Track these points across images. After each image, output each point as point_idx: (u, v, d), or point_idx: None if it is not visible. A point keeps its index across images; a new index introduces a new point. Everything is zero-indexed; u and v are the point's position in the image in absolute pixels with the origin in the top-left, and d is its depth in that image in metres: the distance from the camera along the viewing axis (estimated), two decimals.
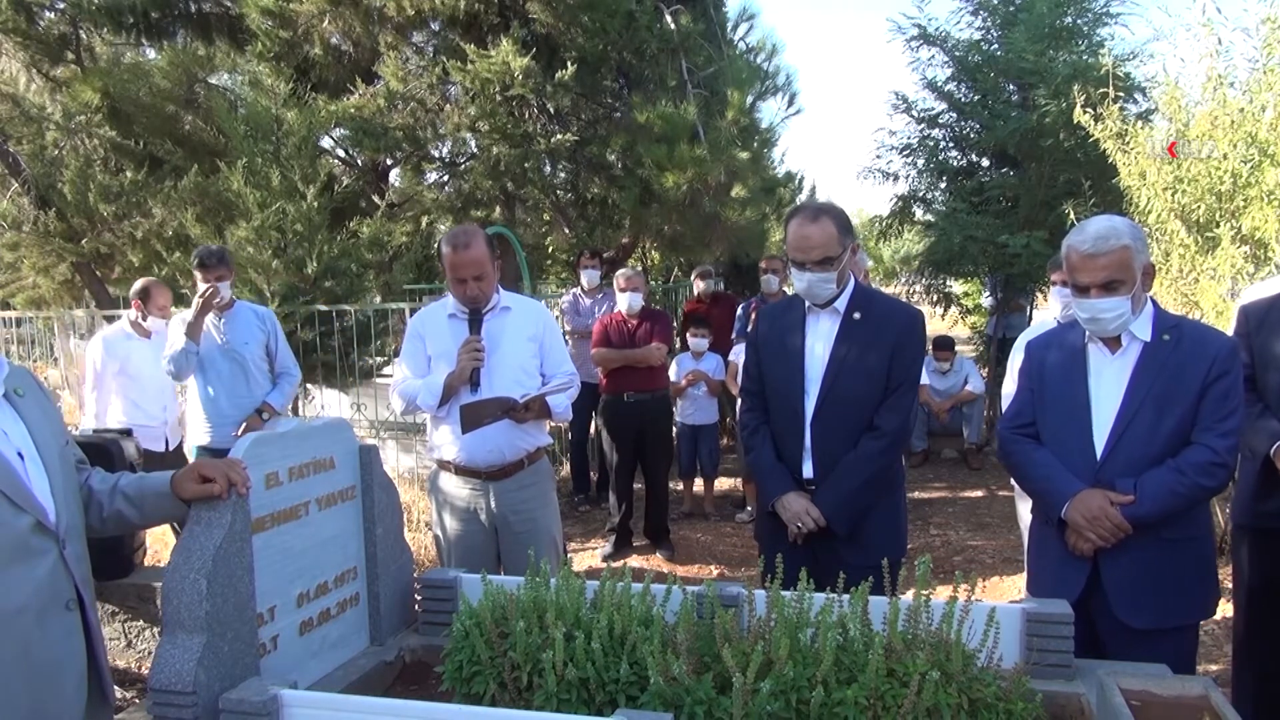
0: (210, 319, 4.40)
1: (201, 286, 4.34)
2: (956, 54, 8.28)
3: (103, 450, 3.48)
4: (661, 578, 2.03)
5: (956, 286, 9.96)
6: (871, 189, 32.63)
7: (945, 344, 7.73)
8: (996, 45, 8.17)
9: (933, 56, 8.45)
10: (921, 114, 8.66)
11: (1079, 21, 7.78)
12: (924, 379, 7.02)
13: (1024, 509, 3.65)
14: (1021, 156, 7.73)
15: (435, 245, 9.20)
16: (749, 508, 6.13)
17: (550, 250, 11.55)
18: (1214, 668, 3.58)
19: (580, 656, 1.71)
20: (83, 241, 8.67)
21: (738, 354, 5.83)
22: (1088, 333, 2.36)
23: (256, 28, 7.68)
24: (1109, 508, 2.22)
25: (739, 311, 6.54)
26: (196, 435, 4.52)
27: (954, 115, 8.51)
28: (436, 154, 9.03)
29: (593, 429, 6.61)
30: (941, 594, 1.86)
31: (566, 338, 6.04)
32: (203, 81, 9.50)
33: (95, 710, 1.79)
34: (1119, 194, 5.11)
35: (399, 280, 7.83)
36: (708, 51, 7.89)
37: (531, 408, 3.00)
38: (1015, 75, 7.75)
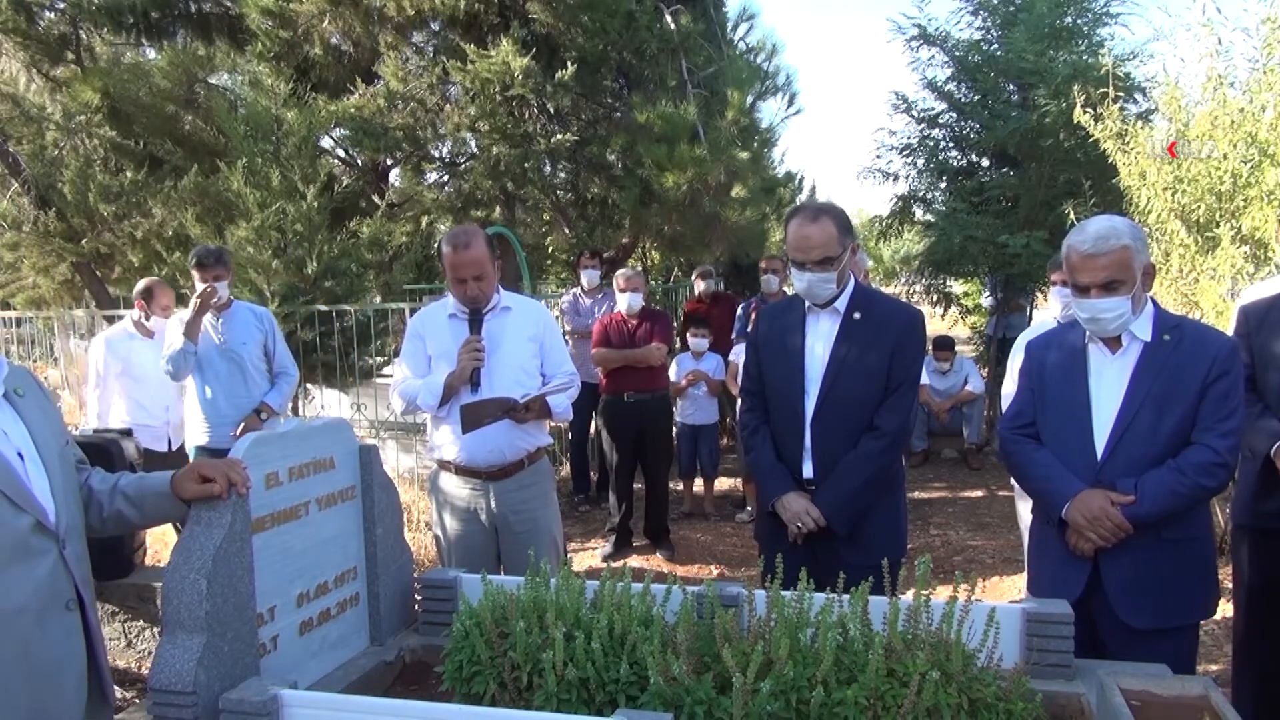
0: (208, 319, 4.40)
1: (199, 286, 4.34)
2: (956, 54, 8.28)
3: (103, 450, 3.48)
4: (661, 578, 2.03)
5: (956, 286, 9.96)
6: (871, 189, 32.65)
7: (945, 344, 7.73)
8: (996, 45, 8.17)
9: (933, 56, 8.46)
10: (921, 114, 8.66)
11: (1079, 21, 7.78)
12: (924, 379, 7.02)
13: (1024, 509, 3.65)
14: (1021, 156, 7.73)
15: (435, 245, 9.20)
16: (749, 508, 6.13)
17: (550, 250, 11.55)
18: (1214, 668, 3.58)
19: (580, 656, 1.71)
20: (83, 241, 8.67)
21: (738, 354, 5.83)
22: (1088, 333, 2.36)
23: (256, 28, 7.68)
24: (1110, 508, 2.22)
25: (739, 311, 6.54)
26: (195, 435, 4.52)
27: (954, 115, 8.51)
28: (436, 154, 9.03)
29: (593, 429, 6.61)
30: (941, 594, 1.86)
31: (566, 338, 6.04)
32: (203, 81, 9.51)
33: (95, 710, 1.79)
34: (1119, 194, 5.11)
35: (399, 280, 7.83)
36: (708, 51, 7.89)
37: (532, 408, 3.00)
38: (1015, 75, 7.75)
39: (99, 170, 8.69)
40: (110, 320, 7.67)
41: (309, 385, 6.75)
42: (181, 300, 5.22)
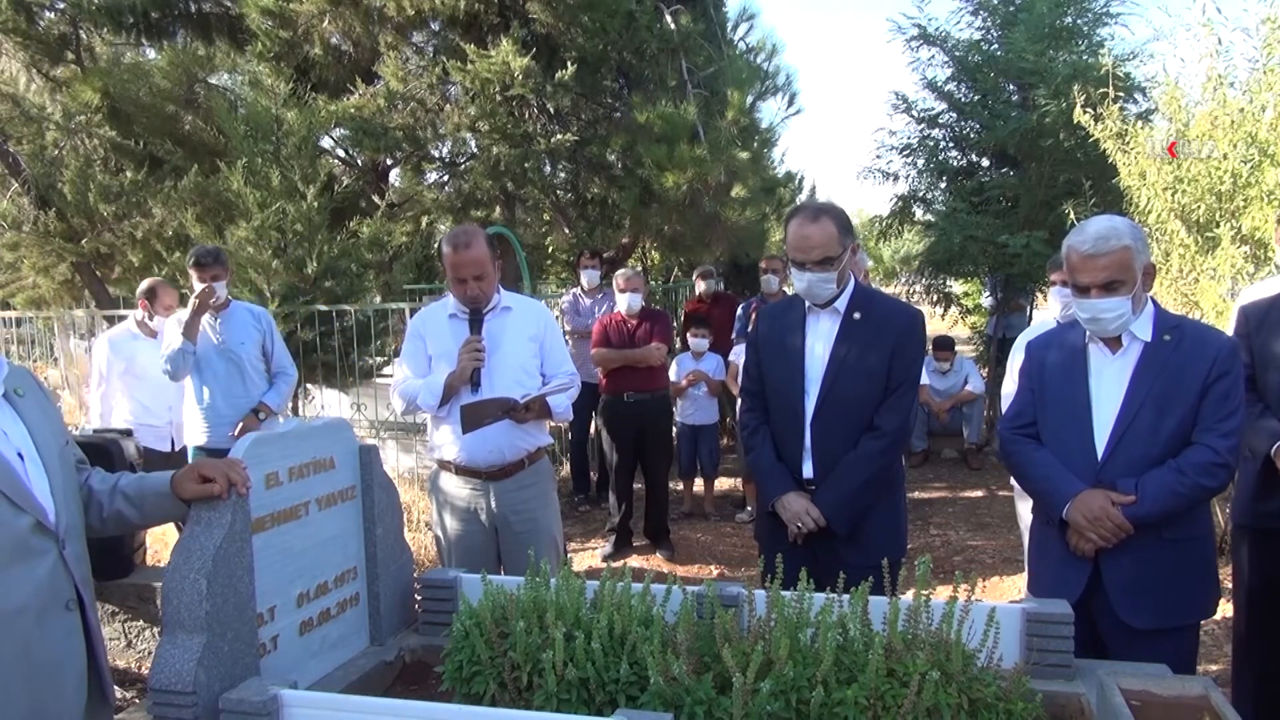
0: (206, 319, 4.40)
1: (197, 286, 4.34)
2: (956, 54, 8.28)
3: (103, 450, 3.48)
4: (661, 578, 2.03)
5: (956, 286, 9.96)
6: (871, 189, 32.66)
7: (945, 344, 7.73)
8: (996, 45, 8.17)
9: (933, 56, 8.46)
10: (921, 114, 8.66)
11: (1079, 21, 7.78)
12: (924, 379, 7.02)
13: (1024, 509, 3.65)
14: (1021, 156, 7.73)
15: (435, 245, 9.20)
16: (749, 508, 6.13)
17: (550, 250, 11.55)
18: (1214, 668, 3.58)
19: (580, 656, 1.71)
20: (83, 241, 8.67)
21: (738, 354, 5.84)
22: (1088, 333, 2.36)
23: (256, 28, 7.68)
24: (1110, 508, 2.22)
25: (739, 311, 6.55)
26: (193, 435, 4.52)
27: (954, 115, 8.51)
28: (436, 154, 9.03)
29: (593, 429, 6.61)
30: (941, 594, 1.86)
31: (566, 338, 6.04)
32: (203, 81, 9.50)
33: (95, 710, 1.79)
34: (1119, 194, 5.12)
35: (399, 280, 7.83)
36: (708, 51, 7.89)
37: (532, 408, 3.00)
38: (1015, 75, 7.75)
39: (99, 170, 8.69)
40: (110, 320, 7.67)
41: (309, 385, 6.75)
42: (184, 300, 5.22)
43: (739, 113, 7.60)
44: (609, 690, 1.72)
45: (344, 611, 2.17)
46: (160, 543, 4.99)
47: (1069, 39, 7.64)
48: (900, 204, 9.04)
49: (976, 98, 8.17)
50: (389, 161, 9.09)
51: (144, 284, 4.99)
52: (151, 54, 9.53)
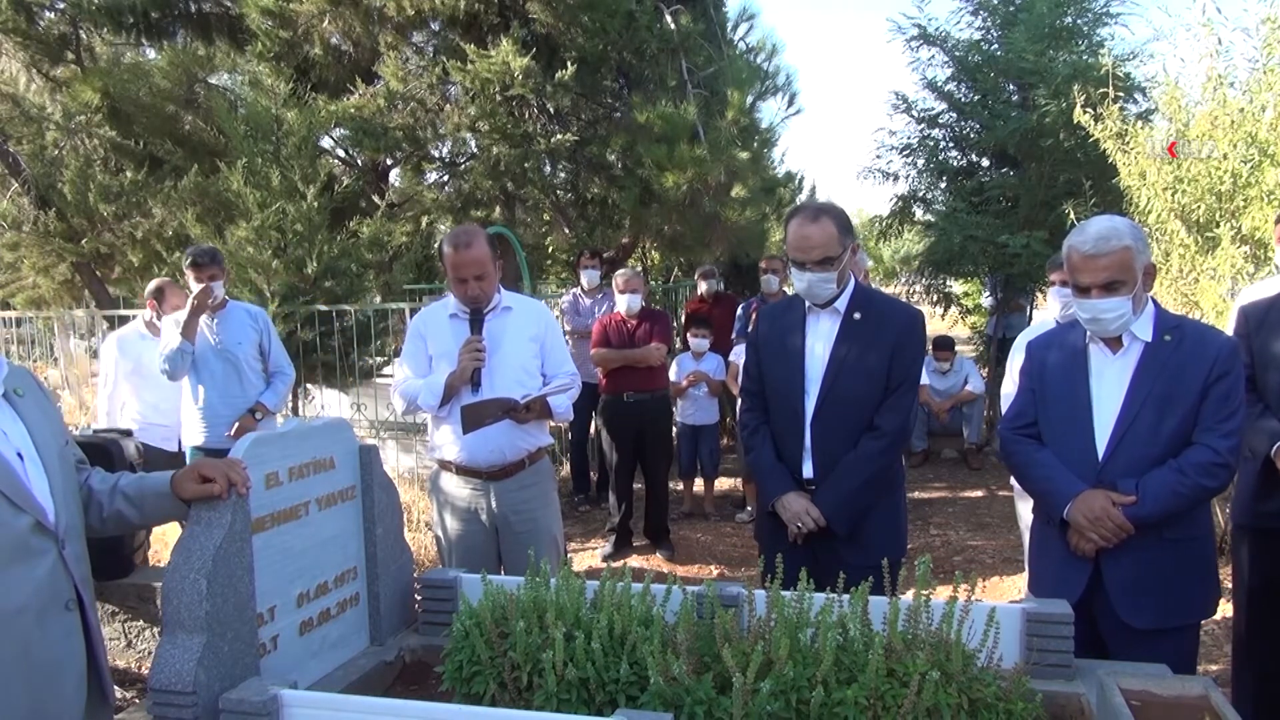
0: (204, 319, 4.40)
1: (194, 286, 4.34)
2: (956, 54, 8.28)
3: (103, 450, 3.48)
4: (661, 578, 2.03)
5: (956, 286, 9.96)
6: (871, 189, 32.66)
7: (945, 344, 7.73)
8: (996, 45, 8.17)
9: (933, 56, 8.46)
10: (921, 114, 8.66)
11: (1079, 21, 7.78)
12: (924, 379, 7.02)
13: (1024, 509, 3.65)
14: (1021, 156, 7.73)
15: (435, 245, 9.20)
16: (749, 508, 6.13)
17: (550, 250, 11.54)
18: (1214, 668, 3.58)
19: (580, 656, 1.71)
20: (83, 241, 8.67)
21: (738, 354, 5.83)
22: (1089, 333, 2.36)
23: (256, 28, 7.68)
24: (1111, 508, 2.22)
25: (739, 311, 6.55)
26: (191, 435, 4.53)
27: (954, 115, 8.51)
28: (436, 154, 9.03)
29: (592, 429, 6.61)
30: (941, 594, 1.86)
31: (566, 338, 6.04)
32: (203, 81, 9.50)
33: (95, 710, 1.79)
34: (1119, 194, 5.12)
35: (399, 280, 7.83)
36: (708, 51, 7.89)
37: (533, 408, 3.00)
38: (1015, 75, 7.75)
39: (99, 170, 8.69)
40: (110, 320, 7.67)
41: (309, 385, 6.75)
42: None
43: (739, 113, 7.60)
44: (609, 690, 1.72)
45: (344, 611, 2.17)
46: (160, 543, 4.99)
47: (1069, 39, 7.64)
48: (900, 204, 9.04)
49: (976, 98, 8.17)
50: (389, 161, 9.09)
51: (152, 284, 5.00)
52: (151, 54, 9.53)
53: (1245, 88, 4.42)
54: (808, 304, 2.67)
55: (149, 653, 3.83)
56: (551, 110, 7.59)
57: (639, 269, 7.90)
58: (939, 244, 8.13)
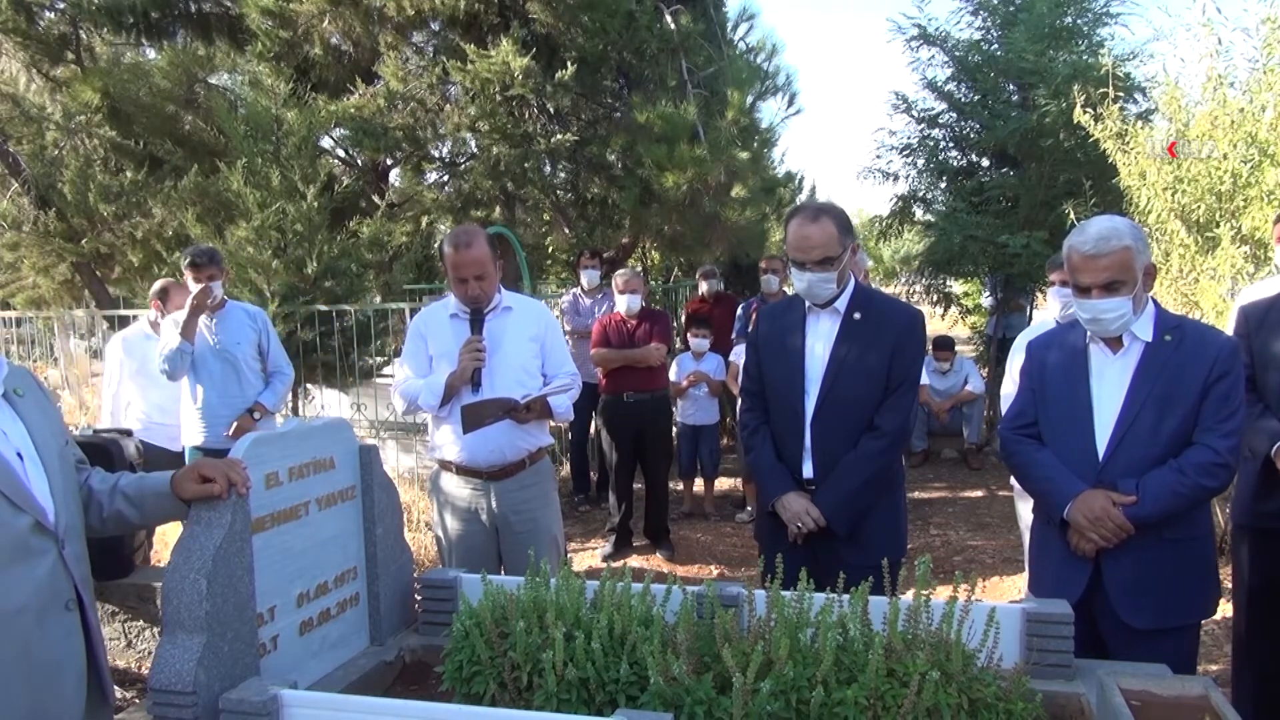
0: (202, 319, 4.41)
1: (193, 286, 4.34)
2: (956, 54, 8.28)
3: (103, 450, 3.48)
4: (661, 578, 2.03)
5: (956, 286, 9.96)
6: (871, 189, 32.67)
7: (945, 344, 7.73)
8: (996, 45, 8.17)
9: (933, 56, 8.46)
10: (921, 114, 8.66)
11: (1079, 21, 7.78)
12: (924, 379, 7.02)
13: (1024, 509, 3.65)
14: (1021, 156, 7.73)
15: (435, 245, 9.21)
16: (749, 508, 6.13)
17: (550, 250, 11.55)
18: (1214, 668, 3.58)
19: (580, 656, 1.71)
20: (83, 241, 8.67)
21: (738, 354, 5.83)
22: (1089, 333, 2.36)
23: (256, 28, 7.68)
24: (1111, 508, 2.22)
25: (739, 311, 6.55)
26: (190, 435, 4.53)
27: (954, 115, 8.51)
28: (436, 154, 9.03)
29: (592, 429, 6.61)
30: (941, 594, 1.86)
31: (566, 338, 6.04)
32: (203, 81, 9.50)
33: (95, 710, 1.79)
34: (1119, 194, 5.12)
35: (399, 280, 7.83)
36: (708, 51, 7.89)
37: (533, 408, 3.00)
38: (1015, 75, 7.75)
39: (99, 170, 8.69)
40: (110, 320, 7.67)
41: (309, 385, 6.75)
42: None
43: (739, 113, 7.60)
44: (609, 690, 1.72)
45: (344, 611, 2.17)
46: (160, 543, 4.99)
47: (1069, 39, 7.64)
48: (900, 204, 9.04)
49: (976, 98, 8.17)
50: (389, 161, 9.09)
51: (156, 285, 5.00)
52: (151, 54, 9.52)
53: (1245, 88, 4.42)
54: (808, 304, 2.67)
55: (149, 653, 3.83)
56: (551, 110, 7.60)
57: (639, 269, 7.91)
58: (939, 244, 8.13)
